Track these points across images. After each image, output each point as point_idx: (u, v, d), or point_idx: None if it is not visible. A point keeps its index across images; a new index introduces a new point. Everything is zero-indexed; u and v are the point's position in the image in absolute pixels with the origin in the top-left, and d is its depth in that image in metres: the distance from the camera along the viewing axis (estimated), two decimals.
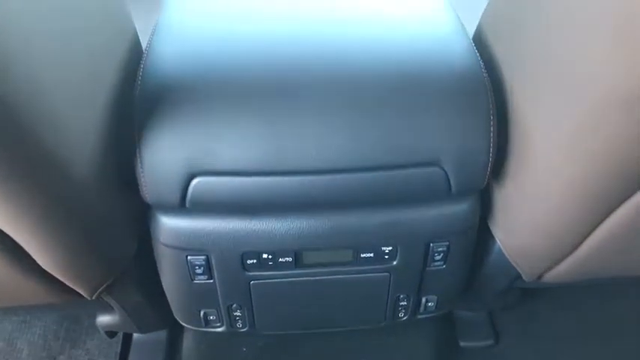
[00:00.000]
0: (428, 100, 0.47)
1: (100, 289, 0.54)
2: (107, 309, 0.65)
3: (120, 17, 0.52)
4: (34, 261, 0.46)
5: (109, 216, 0.50)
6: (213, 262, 0.53)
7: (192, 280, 0.55)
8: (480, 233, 0.57)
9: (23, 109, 0.35)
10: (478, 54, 0.51)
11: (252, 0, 0.56)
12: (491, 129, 0.48)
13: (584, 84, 0.39)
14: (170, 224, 0.51)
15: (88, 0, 0.45)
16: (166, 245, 0.52)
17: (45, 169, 0.39)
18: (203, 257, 0.53)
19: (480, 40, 0.55)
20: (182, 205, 0.48)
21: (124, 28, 0.53)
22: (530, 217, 0.52)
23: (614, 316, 0.88)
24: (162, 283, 0.59)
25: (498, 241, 0.58)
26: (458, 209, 0.53)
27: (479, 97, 0.48)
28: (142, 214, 0.54)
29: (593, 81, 0.38)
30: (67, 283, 0.50)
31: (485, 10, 0.56)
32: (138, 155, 0.46)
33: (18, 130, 0.35)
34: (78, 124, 0.42)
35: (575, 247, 0.51)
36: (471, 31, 0.58)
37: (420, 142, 0.47)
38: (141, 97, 0.47)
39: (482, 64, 0.50)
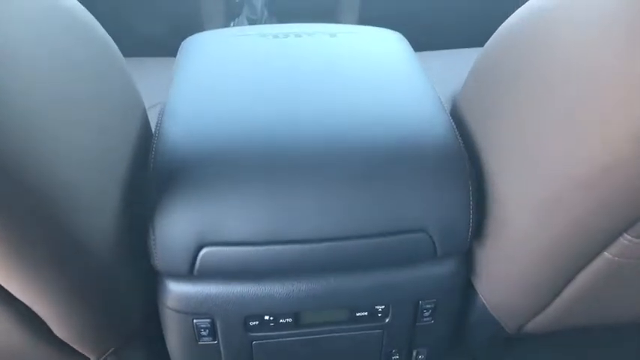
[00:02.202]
0: (413, 173, 0.53)
1: (107, 353, 0.57)
2: None
3: (129, 95, 0.57)
4: (48, 328, 0.49)
5: (121, 284, 0.53)
6: (217, 324, 0.57)
7: (198, 341, 0.58)
8: (464, 290, 0.62)
9: (42, 187, 0.38)
10: (456, 128, 0.58)
11: (252, 78, 0.62)
12: (470, 198, 0.54)
13: (549, 164, 0.45)
14: (178, 290, 0.55)
15: (100, 79, 0.49)
16: (174, 310, 0.56)
17: (64, 243, 0.43)
18: (208, 320, 0.56)
19: (456, 115, 0.61)
20: (190, 273, 0.52)
21: (134, 105, 0.57)
22: (507, 275, 0.57)
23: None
24: (167, 345, 0.62)
25: (481, 297, 0.63)
26: (444, 270, 0.58)
27: (458, 169, 0.54)
28: (150, 281, 0.57)
29: (556, 163, 0.44)
30: (77, 347, 0.53)
31: (463, 87, 0.63)
32: (151, 228, 0.50)
33: (36, 204, 0.39)
34: (93, 198, 0.46)
35: (550, 301, 0.56)
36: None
37: (407, 212, 0.53)
38: (154, 174, 0.52)
39: (460, 139, 0.56)
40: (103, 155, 0.48)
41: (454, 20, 1.34)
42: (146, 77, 0.94)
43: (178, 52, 0.72)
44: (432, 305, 0.60)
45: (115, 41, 0.51)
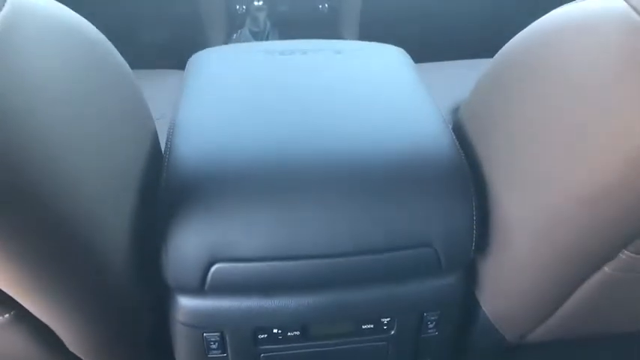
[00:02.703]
0: (417, 190, 0.55)
1: None
2: None
3: (141, 113, 0.58)
4: (62, 342, 0.50)
5: (133, 299, 0.55)
6: (227, 338, 0.58)
7: (207, 354, 0.59)
8: (467, 301, 0.64)
9: (61, 208, 0.40)
10: (458, 145, 0.59)
11: (259, 96, 0.63)
12: (474, 213, 0.55)
13: (550, 183, 0.47)
14: (189, 305, 0.56)
15: (113, 99, 0.51)
16: (184, 324, 0.57)
17: (80, 261, 0.44)
18: (218, 334, 0.57)
19: (460, 130, 0.63)
20: (201, 288, 0.53)
21: (145, 123, 0.59)
22: (509, 287, 0.58)
23: None
24: (177, 358, 0.63)
25: (484, 308, 0.64)
26: (447, 282, 0.59)
27: (461, 185, 0.55)
28: (161, 296, 0.58)
29: (557, 182, 0.46)
30: None
31: (465, 103, 0.64)
32: (163, 245, 0.52)
33: (55, 225, 0.40)
34: (107, 217, 0.47)
35: (551, 313, 0.58)
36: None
37: (412, 227, 0.54)
38: (166, 192, 0.53)
39: (462, 155, 0.58)
40: (116, 174, 0.49)
41: (453, 30, 1.36)
42: (151, 89, 0.96)
43: (186, 68, 0.73)
44: (436, 317, 0.61)
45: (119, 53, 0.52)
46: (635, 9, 0.37)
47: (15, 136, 0.33)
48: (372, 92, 0.65)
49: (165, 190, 0.53)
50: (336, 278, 0.55)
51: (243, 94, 0.63)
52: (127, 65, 0.53)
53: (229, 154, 0.56)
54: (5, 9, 0.32)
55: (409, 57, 0.76)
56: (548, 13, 0.48)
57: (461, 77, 1.06)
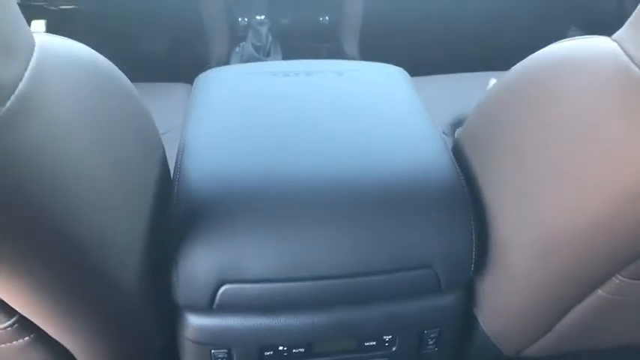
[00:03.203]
0: (418, 213, 0.57)
1: None
2: None
3: (151, 137, 0.60)
4: (74, 358, 0.52)
5: (144, 317, 0.56)
6: (234, 354, 0.60)
7: None
8: (466, 318, 0.66)
9: (75, 232, 0.42)
10: (458, 167, 0.61)
11: (266, 118, 0.65)
12: (473, 235, 0.57)
13: (547, 210, 0.49)
14: (197, 323, 0.58)
15: (124, 125, 0.52)
16: (192, 341, 0.59)
17: (93, 282, 0.46)
18: (225, 351, 0.59)
19: (459, 152, 0.65)
20: (210, 307, 0.55)
21: (154, 147, 0.61)
22: (506, 306, 0.61)
23: None
24: None
25: (482, 324, 0.66)
26: (447, 301, 0.61)
27: (461, 208, 0.58)
28: (170, 313, 0.60)
29: (553, 210, 0.48)
30: None
31: (464, 126, 0.66)
32: (174, 265, 0.54)
33: (69, 249, 0.42)
34: (119, 239, 0.49)
35: (547, 330, 0.60)
36: None
37: (413, 249, 0.56)
38: (176, 215, 0.55)
39: (462, 177, 0.60)
40: (127, 198, 0.51)
41: (451, 43, 1.38)
42: (157, 103, 0.97)
43: (193, 88, 0.75)
44: (436, 334, 0.63)
45: (122, 67, 0.54)
46: (624, 50, 0.40)
47: (33, 167, 0.34)
48: (374, 115, 0.67)
49: (176, 212, 0.55)
50: (339, 298, 0.57)
51: (250, 117, 0.65)
52: (138, 94, 0.54)
53: (237, 177, 0.58)
54: (35, 55, 0.34)
55: (408, 76, 0.78)
56: (544, 48, 0.50)
57: (458, 90, 1.08)
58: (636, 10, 0.40)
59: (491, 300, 0.62)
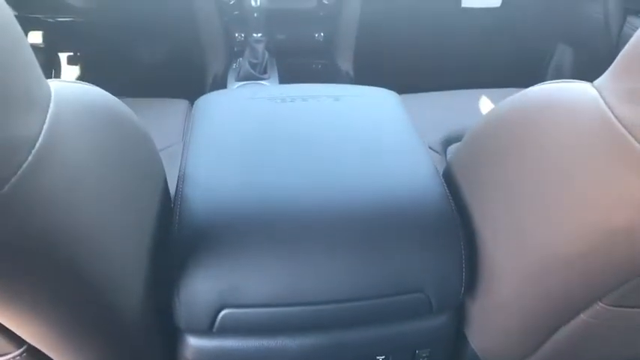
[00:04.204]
0: (410, 240, 0.59)
1: None
2: None
3: (154, 168, 0.61)
4: None
5: (145, 339, 0.58)
6: None
7: None
8: (456, 338, 0.68)
9: (80, 258, 0.43)
10: (449, 194, 0.64)
11: (264, 145, 0.67)
12: (463, 261, 0.60)
13: (532, 241, 0.51)
14: (197, 345, 0.60)
15: (130, 158, 0.54)
16: None
17: (99, 308, 0.48)
18: None
19: (450, 178, 0.68)
20: (210, 330, 0.57)
21: (157, 175, 0.62)
22: (495, 327, 0.63)
23: None
24: None
25: (472, 344, 0.69)
26: (438, 322, 0.64)
27: (451, 235, 0.60)
28: (170, 335, 0.62)
29: (538, 241, 0.50)
30: None
31: (456, 153, 0.69)
32: (175, 290, 0.56)
33: (75, 274, 0.44)
34: (123, 265, 0.51)
35: (534, 350, 0.63)
36: None
37: (406, 275, 0.59)
38: (177, 241, 0.57)
39: (452, 204, 0.63)
40: (131, 227, 0.53)
41: (442, 61, 1.41)
42: (155, 118, 0.99)
43: (192, 111, 0.77)
44: (428, 353, 0.65)
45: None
46: (604, 99, 0.42)
47: (50, 215, 0.36)
48: (368, 142, 0.69)
49: (177, 239, 0.57)
50: (335, 322, 0.59)
51: (247, 144, 0.67)
52: (144, 128, 0.56)
53: (236, 204, 0.60)
54: (52, 105, 0.36)
55: (400, 100, 0.80)
56: (532, 88, 0.53)
57: (450, 107, 1.11)
58: (616, 60, 0.43)
59: (480, 321, 0.65)
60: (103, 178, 0.44)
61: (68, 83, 0.43)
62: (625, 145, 0.39)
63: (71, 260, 0.41)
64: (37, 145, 0.32)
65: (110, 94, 0.50)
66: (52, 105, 0.36)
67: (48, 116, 0.35)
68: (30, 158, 0.31)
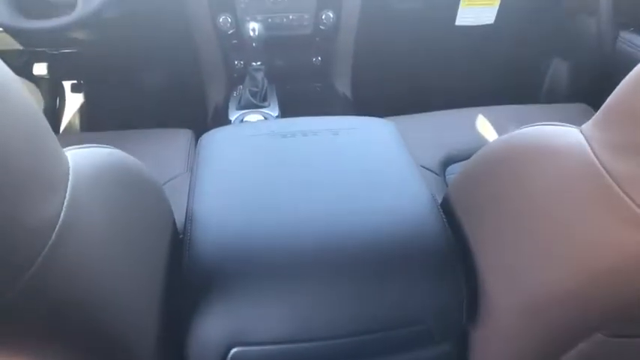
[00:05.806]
0: (412, 275, 0.62)
1: None
2: None
3: (164, 214, 0.64)
4: None
5: None
6: None
7: None
8: None
9: (101, 317, 0.46)
10: (448, 227, 0.66)
11: (268, 183, 0.70)
12: (463, 294, 0.62)
13: (527, 277, 0.54)
14: None
15: (142, 207, 0.57)
16: None
17: (112, 348, 0.50)
18: None
19: (448, 210, 0.70)
20: None
21: (167, 220, 0.65)
22: (496, 354, 0.65)
23: None
24: None
25: None
26: (440, 350, 0.66)
27: (451, 270, 0.63)
28: None
29: (533, 277, 0.53)
30: None
31: (454, 186, 0.71)
32: (187, 330, 0.58)
33: (90, 317, 0.46)
34: (135, 308, 0.53)
35: None
36: None
37: (408, 309, 0.61)
38: (187, 282, 0.59)
39: (451, 238, 0.65)
40: (146, 277, 0.55)
41: (439, 82, 1.43)
42: (160, 149, 1.02)
43: (197, 149, 0.80)
44: None
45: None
46: (590, 145, 0.45)
47: (73, 283, 0.39)
48: (368, 175, 0.72)
49: (187, 280, 0.59)
50: (341, 356, 0.61)
51: (252, 182, 0.70)
52: (153, 178, 0.59)
53: (243, 244, 0.62)
54: (71, 179, 0.38)
55: (397, 131, 0.82)
56: (524, 129, 0.55)
57: (448, 127, 1.13)
58: (603, 107, 0.45)
59: (482, 349, 0.67)
60: (118, 238, 0.47)
61: (83, 150, 0.45)
62: (610, 194, 0.41)
63: (91, 315, 0.43)
64: (59, 222, 0.34)
65: (121, 152, 0.52)
66: (70, 177, 0.38)
67: (68, 191, 0.37)
68: (53, 237, 0.33)
